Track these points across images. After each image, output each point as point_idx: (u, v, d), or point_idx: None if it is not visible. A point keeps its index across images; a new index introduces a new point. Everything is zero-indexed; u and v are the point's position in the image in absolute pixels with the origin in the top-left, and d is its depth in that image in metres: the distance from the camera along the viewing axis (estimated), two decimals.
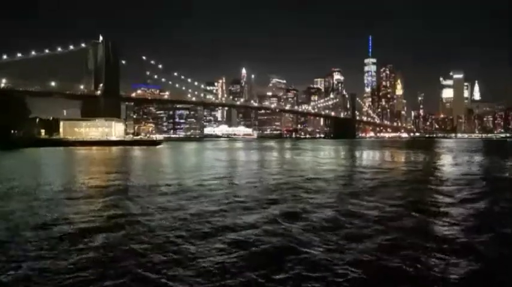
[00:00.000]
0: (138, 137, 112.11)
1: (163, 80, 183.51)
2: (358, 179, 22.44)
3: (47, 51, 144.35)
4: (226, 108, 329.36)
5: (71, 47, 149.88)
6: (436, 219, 11.33)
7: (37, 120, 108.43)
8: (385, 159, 45.23)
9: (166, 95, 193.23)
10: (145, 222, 11.14)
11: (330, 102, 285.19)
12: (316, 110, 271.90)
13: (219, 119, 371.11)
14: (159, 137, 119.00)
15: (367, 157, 51.60)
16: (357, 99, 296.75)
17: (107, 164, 34.48)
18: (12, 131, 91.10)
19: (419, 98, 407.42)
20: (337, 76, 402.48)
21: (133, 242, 9.32)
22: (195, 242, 9.29)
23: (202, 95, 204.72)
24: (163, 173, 25.80)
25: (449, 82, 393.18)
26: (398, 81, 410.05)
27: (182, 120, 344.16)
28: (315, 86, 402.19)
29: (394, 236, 9.76)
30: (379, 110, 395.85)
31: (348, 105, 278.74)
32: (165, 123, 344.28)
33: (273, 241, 9.39)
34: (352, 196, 15.87)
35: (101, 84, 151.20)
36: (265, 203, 14.09)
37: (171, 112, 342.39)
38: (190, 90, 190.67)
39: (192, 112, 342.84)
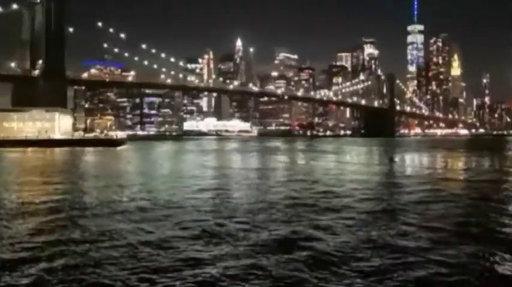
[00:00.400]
0: (92, 134, 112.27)
1: (126, 55, 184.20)
2: (395, 192, 22.47)
3: None
4: (214, 94, 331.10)
5: None
6: (502, 251, 11.29)
7: None
8: (435, 165, 45.38)
9: (131, 75, 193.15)
10: (89, 252, 11.15)
11: (359, 86, 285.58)
12: (340, 97, 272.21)
13: (205, 109, 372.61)
14: (120, 134, 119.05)
15: (411, 162, 51.81)
16: (397, 81, 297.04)
17: (45, 173, 34.61)
18: None
19: (484, 81, 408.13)
20: (369, 49, 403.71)
21: (71, 279, 9.30)
22: (155, 281, 9.24)
23: (181, 75, 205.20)
24: (124, 185, 25.84)
25: None
26: (455, 56, 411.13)
27: (153, 112, 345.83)
28: (338, 63, 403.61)
29: (437, 273, 9.72)
30: (428, 97, 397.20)
31: (385, 91, 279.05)
32: (129, 116, 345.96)
33: (265, 281, 9.33)
34: (383, 216, 15.87)
35: (40, 61, 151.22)
36: (260, 226, 14.09)
37: (137, 100, 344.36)
38: (164, 70, 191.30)
39: (167, 100, 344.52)
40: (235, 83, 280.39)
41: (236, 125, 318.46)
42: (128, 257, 10.80)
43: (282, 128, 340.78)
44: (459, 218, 15.61)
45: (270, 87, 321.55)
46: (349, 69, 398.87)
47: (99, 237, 12.74)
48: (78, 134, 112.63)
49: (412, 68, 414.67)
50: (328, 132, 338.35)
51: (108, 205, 18.39)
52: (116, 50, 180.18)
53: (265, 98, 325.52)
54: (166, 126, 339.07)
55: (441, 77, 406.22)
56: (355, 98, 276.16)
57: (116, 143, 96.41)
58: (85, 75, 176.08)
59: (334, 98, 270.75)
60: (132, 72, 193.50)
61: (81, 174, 34.43)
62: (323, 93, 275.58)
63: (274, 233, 13.21)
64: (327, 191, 22.41)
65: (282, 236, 12.82)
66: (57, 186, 25.14)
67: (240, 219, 15.30)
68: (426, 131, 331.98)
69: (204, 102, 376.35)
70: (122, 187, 24.98)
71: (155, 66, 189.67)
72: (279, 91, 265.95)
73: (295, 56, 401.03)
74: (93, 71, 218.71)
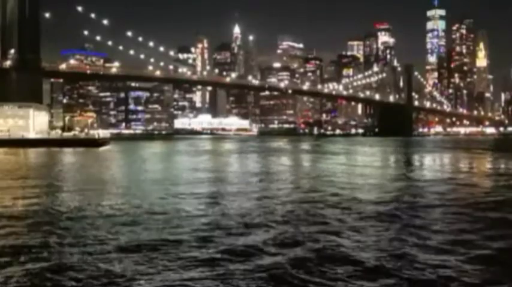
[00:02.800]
0: (71, 133, 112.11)
1: (110, 43, 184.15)
2: (414, 199, 22.35)
3: None
4: (209, 88, 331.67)
5: None
6: None
7: None
8: (459, 169, 45.34)
9: (114, 67, 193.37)
10: (62, 259, 11.03)
11: (372, 79, 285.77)
12: (350, 91, 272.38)
13: (198, 105, 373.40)
14: (103, 133, 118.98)
15: (432, 164, 51.83)
16: (416, 74, 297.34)
17: (16, 176, 34.47)
18: None
19: None
20: (384, 37, 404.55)
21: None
22: None
23: (171, 67, 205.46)
24: (103, 192, 25.76)
25: None
26: (481, 46, 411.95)
27: (140, 108, 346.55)
28: (349, 53, 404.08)
29: None
30: (450, 91, 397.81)
31: (401, 84, 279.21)
32: (113, 113, 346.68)
33: None
34: (402, 226, 15.72)
35: (12, 51, 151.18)
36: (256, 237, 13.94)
37: (122, 95, 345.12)
38: (152, 60, 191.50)
39: (155, 94, 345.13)
40: (233, 75, 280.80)
41: (234, 122, 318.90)
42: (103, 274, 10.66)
43: (286, 126, 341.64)
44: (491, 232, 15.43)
45: (272, 80, 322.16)
46: (361, 59, 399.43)
47: (72, 247, 12.65)
48: (56, 133, 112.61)
49: (432, 59, 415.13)
50: (337, 131, 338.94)
51: (81, 215, 18.22)
52: (98, 38, 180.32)
53: (267, 93, 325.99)
54: (155, 124, 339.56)
55: (465, 68, 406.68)
56: (367, 93, 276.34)
57: (97, 143, 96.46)
58: (63, 66, 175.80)
59: (344, 93, 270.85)
60: (116, 63, 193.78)
61: (56, 178, 34.27)
62: (332, 87, 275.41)
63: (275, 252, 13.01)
64: (333, 199, 22.24)
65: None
66: (28, 192, 24.98)
67: (235, 231, 15.13)
68: (448, 129, 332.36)
69: (197, 97, 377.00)
70: (101, 194, 24.85)
71: (142, 56, 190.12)
72: (282, 84, 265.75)
73: (301, 45, 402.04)
74: (72, 61, 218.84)
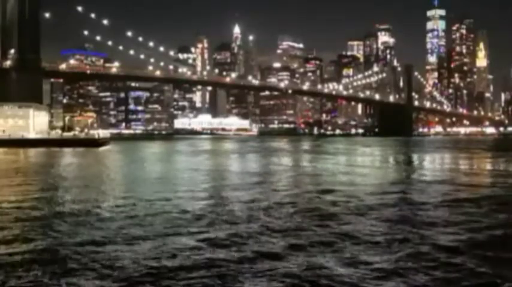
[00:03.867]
0: (71, 133, 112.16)
1: (110, 43, 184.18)
2: (416, 200, 22.29)
3: None
4: (209, 88, 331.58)
5: None
6: None
7: None
8: (459, 169, 45.33)
9: (114, 67, 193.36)
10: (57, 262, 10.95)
11: (372, 79, 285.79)
12: (351, 91, 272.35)
13: (198, 105, 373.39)
14: (103, 133, 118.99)
15: (432, 164, 51.75)
16: (416, 74, 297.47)
17: (15, 177, 34.44)
18: None
19: None
20: (384, 37, 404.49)
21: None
22: None
23: (171, 67, 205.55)
24: (102, 192, 25.70)
25: None
26: (481, 46, 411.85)
27: (140, 108, 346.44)
28: (349, 53, 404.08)
29: None
30: (450, 91, 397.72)
31: (402, 84, 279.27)
32: (113, 113, 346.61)
33: None
34: (407, 225, 15.66)
35: (12, 51, 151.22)
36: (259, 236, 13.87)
37: (122, 94, 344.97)
38: (152, 60, 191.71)
39: (155, 94, 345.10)
40: (233, 75, 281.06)
41: (234, 122, 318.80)
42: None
43: (286, 126, 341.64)
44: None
45: (272, 80, 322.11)
46: (361, 59, 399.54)
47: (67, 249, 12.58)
48: (56, 133, 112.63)
49: (432, 59, 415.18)
50: (337, 131, 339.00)
51: (80, 215, 18.17)
52: (98, 38, 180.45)
53: (267, 93, 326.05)
54: (155, 124, 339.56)
55: (465, 68, 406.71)
56: (368, 93, 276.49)
57: (97, 143, 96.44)
58: (63, 66, 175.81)
59: (345, 93, 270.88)
60: (116, 63, 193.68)
61: (53, 178, 34.21)
62: (332, 87, 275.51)
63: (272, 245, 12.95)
64: (331, 199, 22.18)
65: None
66: (22, 190, 24.91)
67: (230, 228, 15.07)
68: (448, 129, 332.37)
69: (197, 97, 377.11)
70: (99, 193, 24.83)
71: (142, 56, 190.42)
72: (282, 84, 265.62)
73: (301, 45, 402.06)
74: (72, 61, 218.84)
